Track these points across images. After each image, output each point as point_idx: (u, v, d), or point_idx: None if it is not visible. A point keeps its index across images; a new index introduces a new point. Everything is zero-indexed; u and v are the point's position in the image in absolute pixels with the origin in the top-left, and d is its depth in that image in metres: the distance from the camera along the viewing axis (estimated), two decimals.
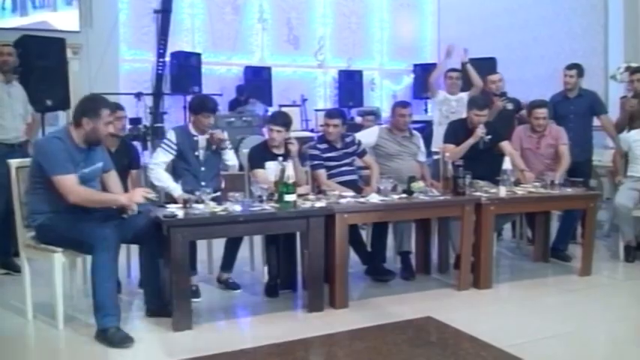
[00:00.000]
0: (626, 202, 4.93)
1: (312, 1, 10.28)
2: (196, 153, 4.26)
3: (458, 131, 4.97)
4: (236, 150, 4.71)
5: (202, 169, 4.26)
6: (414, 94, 10.64)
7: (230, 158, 4.42)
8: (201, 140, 4.27)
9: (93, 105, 3.55)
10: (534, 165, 5.10)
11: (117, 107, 4.41)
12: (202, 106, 4.25)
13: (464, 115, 5.31)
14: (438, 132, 5.78)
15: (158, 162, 4.20)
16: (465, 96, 6.04)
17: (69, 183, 3.38)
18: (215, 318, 3.80)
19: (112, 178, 3.77)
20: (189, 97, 8.26)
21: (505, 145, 4.99)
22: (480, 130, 4.78)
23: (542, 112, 5.13)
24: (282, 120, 4.44)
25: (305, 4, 10.21)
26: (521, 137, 5.26)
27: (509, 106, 5.89)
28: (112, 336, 3.24)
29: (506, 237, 5.85)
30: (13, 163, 3.67)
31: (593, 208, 4.62)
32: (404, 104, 5.07)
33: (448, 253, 4.75)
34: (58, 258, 3.47)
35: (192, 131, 4.26)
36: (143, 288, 3.79)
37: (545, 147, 5.18)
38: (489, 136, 4.89)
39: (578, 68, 5.64)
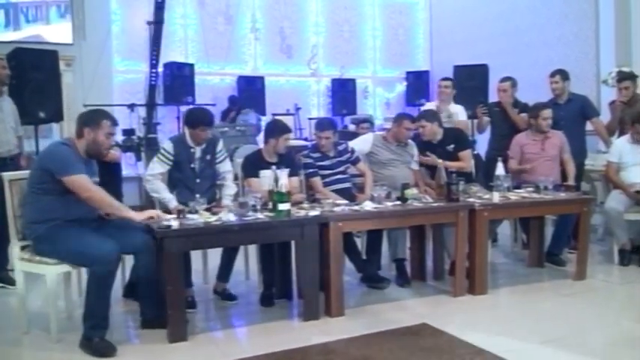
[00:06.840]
0: (617, 205, 4.95)
1: (305, 10, 10.29)
2: (192, 165, 4.24)
3: None
4: (230, 159, 4.69)
5: (197, 180, 4.24)
6: (406, 102, 10.66)
7: (226, 169, 4.41)
8: (198, 151, 4.26)
9: (95, 115, 3.61)
10: (539, 167, 5.08)
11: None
12: (199, 120, 4.18)
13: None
14: None
15: (154, 173, 4.17)
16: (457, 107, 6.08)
17: (84, 180, 3.42)
18: (210, 328, 3.79)
19: None
20: (182, 108, 8.29)
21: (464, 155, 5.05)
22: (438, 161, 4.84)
23: (548, 112, 5.18)
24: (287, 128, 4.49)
25: (298, 14, 10.22)
26: (523, 144, 5.27)
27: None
28: (96, 344, 3.28)
29: (503, 243, 5.86)
30: (6, 176, 3.65)
31: (587, 212, 4.63)
32: (413, 118, 5.03)
33: (443, 259, 4.76)
34: (53, 271, 3.45)
35: (189, 142, 4.24)
36: (138, 299, 3.76)
37: (550, 148, 5.21)
38: (452, 145, 5.01)
39: (561, 73, 5.65)
